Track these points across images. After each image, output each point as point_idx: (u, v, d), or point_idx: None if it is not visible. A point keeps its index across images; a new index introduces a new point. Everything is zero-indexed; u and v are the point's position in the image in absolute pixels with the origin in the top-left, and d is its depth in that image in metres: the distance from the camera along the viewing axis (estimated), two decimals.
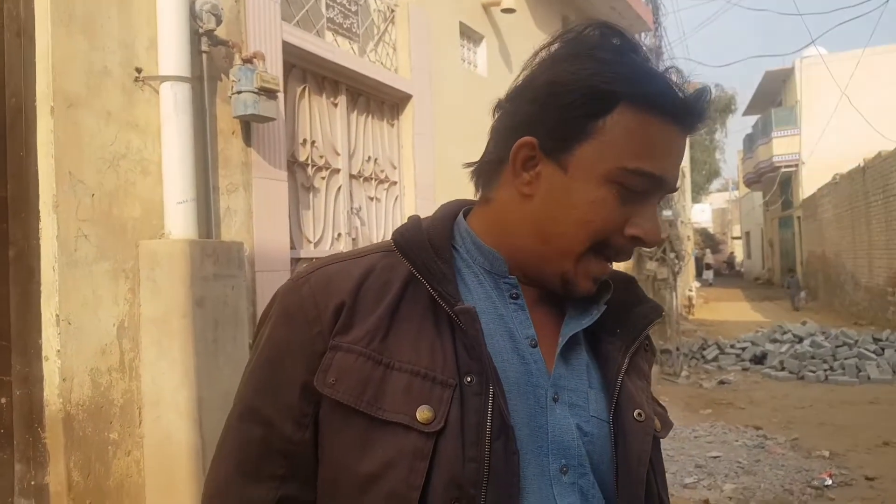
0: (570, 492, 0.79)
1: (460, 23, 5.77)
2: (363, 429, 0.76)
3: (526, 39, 6.87)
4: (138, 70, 2.91)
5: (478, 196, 0.90)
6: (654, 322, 0.90)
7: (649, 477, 0.84)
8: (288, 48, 3.77)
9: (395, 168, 5.00)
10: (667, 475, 4.74)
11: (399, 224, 4.55)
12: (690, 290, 17.78)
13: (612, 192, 0.78)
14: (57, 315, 2.52)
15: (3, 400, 2.53)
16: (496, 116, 0.86)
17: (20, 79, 2.57)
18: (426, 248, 0.82)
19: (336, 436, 0.78)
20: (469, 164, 0.90)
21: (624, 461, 0.82)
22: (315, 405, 0.79)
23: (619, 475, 0.82)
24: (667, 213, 10.01)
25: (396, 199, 5.00)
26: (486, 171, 0.87)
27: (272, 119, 3.43)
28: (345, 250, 4.32)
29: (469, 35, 6.06)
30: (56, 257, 2.53)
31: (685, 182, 18.29)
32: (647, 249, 9.79)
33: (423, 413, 0.74)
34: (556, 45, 0.82)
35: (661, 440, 0.90)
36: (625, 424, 0.83)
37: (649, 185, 0.79)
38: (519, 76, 0.84)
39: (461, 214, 0.91)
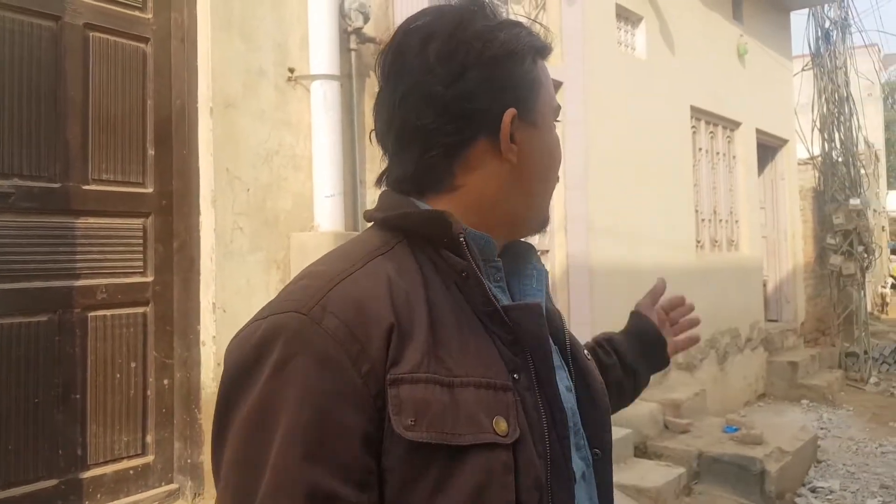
0: (576, 457, 0.82)
1: (616, 4, 5.50)
2: (444, 464, 0.67)
3: (693, 17, 6.43)
4: (291, 70, 3.04)
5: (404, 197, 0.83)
6: (533, 250, 0.91)
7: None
8: None
9: None
10: (846, 494, 4.21)
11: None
12: (884, 287, 15.88)
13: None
14: (213, 303, 2.69)
15: (166, 382, 2.75)
16: (404, 104, 0.79)
17: (184, 82, 2.76)
18: (455, 240, 0.77)
19: (414, 484, 0.67)
20: (383, 176, 0.86)
21: (590, 401, 0.88)
22: (377, 458, 0.67)
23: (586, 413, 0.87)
24: (854, 201, 8.90)
25: None
26: (440, 161, 0.80)
27: None
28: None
29: (626, 17, 5.77)
30: (214, 248, 2.70)
31: (879, 166, 16.26)
32: (832, 242, 8.85)
33: (499, 425, 0.70)
34: (459, 21, 0.80)
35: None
36: (582, 364, 0.90)
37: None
38: (427, 54, 0.79)
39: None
